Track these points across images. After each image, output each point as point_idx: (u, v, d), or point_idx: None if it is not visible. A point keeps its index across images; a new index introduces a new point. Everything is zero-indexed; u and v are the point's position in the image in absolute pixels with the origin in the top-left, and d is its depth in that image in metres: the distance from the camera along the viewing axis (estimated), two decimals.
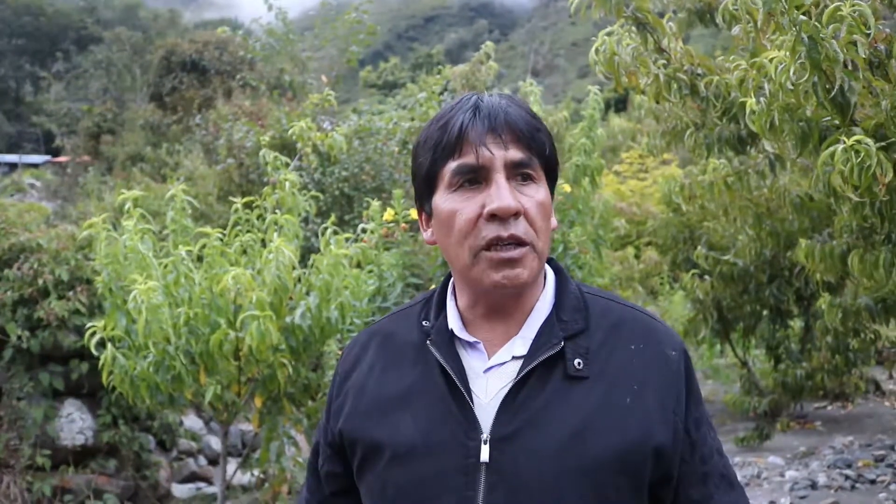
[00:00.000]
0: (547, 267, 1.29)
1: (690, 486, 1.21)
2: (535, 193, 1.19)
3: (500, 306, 1.22)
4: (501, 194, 1.15)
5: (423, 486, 1.17)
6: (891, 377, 9.13)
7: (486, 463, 1.14)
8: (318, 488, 1.38)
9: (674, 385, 1.21)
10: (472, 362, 1.21)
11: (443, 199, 1.20)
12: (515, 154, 1.17)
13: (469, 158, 1.17)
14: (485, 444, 1.15)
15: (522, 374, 1.17)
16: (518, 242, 1.16)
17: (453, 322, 1.24)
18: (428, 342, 1.23)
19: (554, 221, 1.25)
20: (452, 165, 1.18)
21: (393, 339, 1.30)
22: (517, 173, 1.18)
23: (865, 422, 7.81)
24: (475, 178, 1.18)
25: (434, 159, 1.20)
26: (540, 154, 1.20)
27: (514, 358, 1.20)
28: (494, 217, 1.15)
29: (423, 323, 1.27)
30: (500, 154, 1.17)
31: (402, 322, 1.32)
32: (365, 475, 1.24)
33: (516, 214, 1.16)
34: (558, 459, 1.13)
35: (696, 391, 1.24)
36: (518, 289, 1.19)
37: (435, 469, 1.16)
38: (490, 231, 1.16)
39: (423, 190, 1.24)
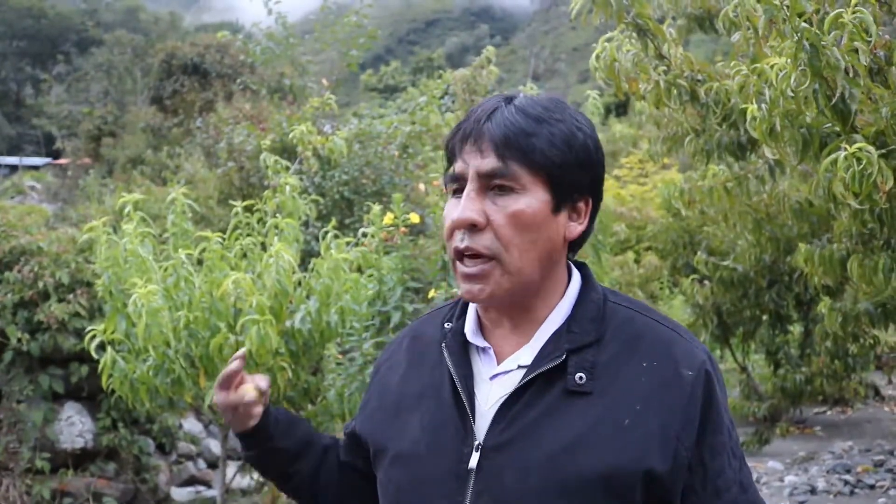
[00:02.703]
0: (575, 272, 1.26)
1: None
2: (511, 204, 1.14)
3: (508, 315, 1.22)
4: (460, 205, 1.15)
5: (420, 488, 1.19)
6: (890, 382, 9.14)
7: (473, 470, 1.15)
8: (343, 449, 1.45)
9: (683, 408, 1.13)
10: (482, 368, 1.22)
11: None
12: (488, 163, 1.14)
13: (453, 167, 1.19)
14: (476, 451, 1.16)
15: (521, 384, 1.16)
16: (475, 255, 1.15)
17: (469, 326, 1.25)
18: (442, 345, 1.25)
19: (574, 229, 1.20)
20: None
21: (420, 340, 1.33)
22: (491, 184, 1.15)
23: (865, 427, 7.81)
24: (459, 186, 1.18)
25: (446, 165, 1.23)
26: (525, 161, 1.14)
27: (519, 367, 1.19)
28: (458, 228, 1.16)
29: (445, 325, 1.28)
30: (475, 163, 1.15)
31: (431, 323, 1.34)
32: (377, 470, 1.29)
33: (475, 226, 1.14)
34: (544, 473, 1.11)
35: (717, 416, 1.15)
36: (485, 303, 1.20)
37: (432, 472, 1.18)
38: (455, 242, 1.17)
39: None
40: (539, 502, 1.11)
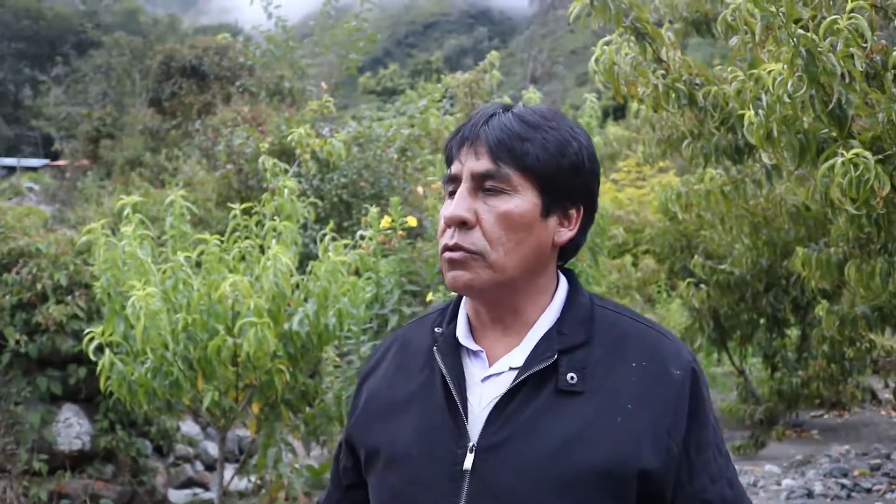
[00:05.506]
0: (561, 277, 1.28)
1: None
2: (501, 204, 1.18)
3: (497, 316, 1.24)
4: (452, 204, 1.20)
5: (414, 491, 1.20)
6: (887, 386, 9.15)
7: (468, 471, 1.16)
8: (337, 480, 1.44)
9: (673, 405, 1.16)
10: (474, 370, 1.23)
11: None
12: (482, 165, 1.19)
13: (450, 168, 1.24)
14: (470, 452, 1.16)
15: (513, 384, 1.18)
16: (459, 250, 1.19)
17: (461, 329, 1.26)
18: (434, 348, 1.26)
19: (563, 235, 1.23)
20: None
21: (408, 345, 1.33)
22: (484, 185, 1.19)
23: (862, 430, 7.82)
24: (455, 188, 1.22)
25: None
26: (518, 164, 1.18)
27: (510, 368, 1.21)
28: (450, 225, 1.20)
29: (436, 329, 1.29)
30: (470, 165, 1.20)
31: (419, 328, 1.35)
32: (369, 475, 1.29)
33: (465, 224, 1.18)
34: (540, 472, 1.13)
35: (704, 413, 1.19)
36: (467, 292, 1.22)
37: (425, 475, 1.19)
38: (445, 238, 1.20)
39: None
40: (536, 500, 1.13)
